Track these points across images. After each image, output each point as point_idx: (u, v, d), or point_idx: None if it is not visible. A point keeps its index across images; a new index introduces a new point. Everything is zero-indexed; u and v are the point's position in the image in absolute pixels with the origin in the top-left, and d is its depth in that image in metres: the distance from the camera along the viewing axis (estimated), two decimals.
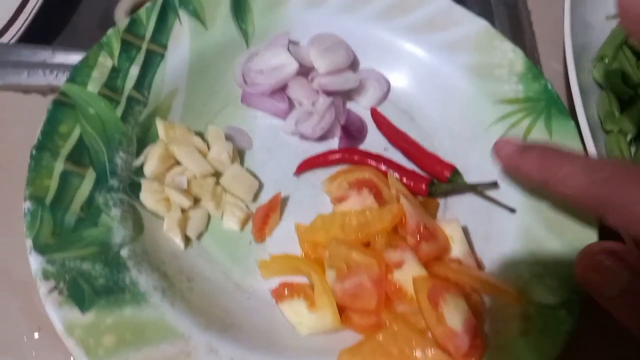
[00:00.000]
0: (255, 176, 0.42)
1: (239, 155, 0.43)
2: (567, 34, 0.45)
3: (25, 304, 0.37)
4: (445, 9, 0.46)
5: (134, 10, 0.59)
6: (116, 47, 0.41)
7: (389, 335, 0.33)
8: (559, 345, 0.33)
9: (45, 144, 0.37)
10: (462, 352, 0.32)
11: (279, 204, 0.40)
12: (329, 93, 0.44)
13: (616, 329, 0.30)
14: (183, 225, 0.39)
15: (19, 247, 0.34)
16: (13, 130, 0.43)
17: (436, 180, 0.42)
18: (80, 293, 0.32)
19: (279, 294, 0.36)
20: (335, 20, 0.47)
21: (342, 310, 0.35)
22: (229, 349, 0.33)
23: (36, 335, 0.36)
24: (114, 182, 0.38)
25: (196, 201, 0.40)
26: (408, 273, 0.35)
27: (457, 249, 0.37)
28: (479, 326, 0.33)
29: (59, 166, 0.36)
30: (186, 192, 0.39)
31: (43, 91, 0.45)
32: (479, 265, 0.38)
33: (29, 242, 0.33)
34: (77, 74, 0.40)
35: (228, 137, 0.42)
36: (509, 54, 0.45)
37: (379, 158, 0.42)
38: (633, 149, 0.44)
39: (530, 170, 0.34)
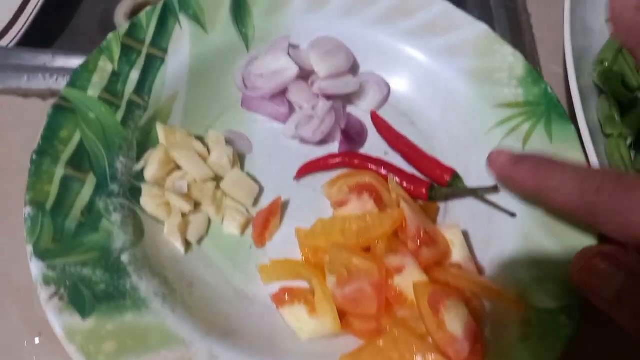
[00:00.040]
0: (255, 180, 0.42)
1: (239, 159, 0.43)
2: (567, 37, 0.45)
3: (26, 309, 0.37)
4: (446, 12, 0.46)
5: (134, 12, 0.59)
6: (116, 51, 0.41)
7: (389, 341, 0.33)
8: (559, 350, 0.33)
9: (46, 149, 0.37)
10: (462, 358, 0.32)
11: (279, 209, 0.40)
12: (329, 97, 0.44)
13: (614, 329, 0.31)
14: (183, 229, 0.39)
15: (20, 251, 0.34)
16: (13, 134, 0.43)
17: (436, 184, 0.42)
18: (81, 299, 0.32)
19: (279, 299, 0.36)
20: (335, 23, 0.47)
21: (342, 315, 0.35)
22: (230, 355, 0.33)
23: (37, 340, 0.36)
24: (114, 187, 0.38)
25: (196, 206, 0.40)
26: (408, 278, 0.35)
27: (458, 254, 0.37)
28: (480, 331, 0.33)
29: (60, 171, 0.36)
30: (186, 196, 0.39)
31: (43, 95, 0.45)
32: (479, 269, 0.38)
33: (29, 248, 0.33)
34: (78, 78, 0.40)
35: (228, 141, 0.42)
36: (509, 58, 0.45)
37: (379, 162, 0.42)
38: (633, 153, 0.44)
39: (524, 180, 0.35)
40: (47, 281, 0.32)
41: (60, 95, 0.39)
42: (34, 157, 0.36)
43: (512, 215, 0.39)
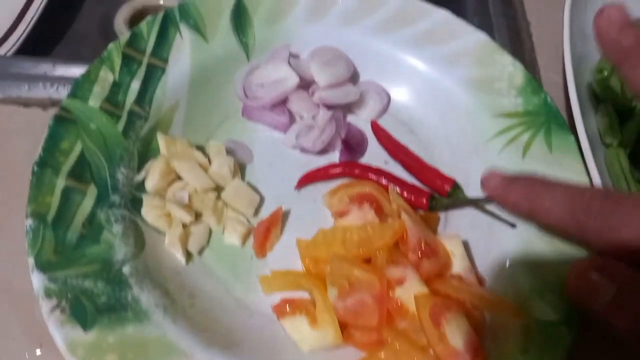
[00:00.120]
0: (256, 190, 0.42)
1: (240, 168, 0.43)
2: (567, 45, 0.45)
3: (27, 320, 0.37)
4: (445, 21, 0.47)
5: (133, 17, 0.59)
6: (117, 61, 0.41)
7: (390, 352, 0.33)
8: None
9: (47, 160, 0.36)
10: None
11: (280, 219, 0.40)
12: (329, 106, 0.44)
13: (613, 340, 0.31)
14: (184, 240, 0.39)
15: (20, 261, 0.34)
16: (14, 143, 0.43)
17: (437, 194, 0.42)
18: (82, 311, 0.32)
19: (280, 310, 0.36)
20: (335, 33, 0.47)
21: (343, 326, 0.35)
22: None
23: (38, 352, 0.36)
24: (115, 198, 0.38)
25: (197, 216, 0.40)
26: (409, 290, 0.35)
27: (458, 265, 0.38)
28: (480, 343, 0.33)
29: (61, 182, 0.36)
30: (187, 207, 0.39)
31: (44, 104, 0.45)
32: (480, 280, 0.38)
33: (31, 261, 0.33)
34: (78, 88, 0.40)
35: (229, 151, 0.42)
36: (509, 67, 0.45)
37: (379, 172, 0.43)
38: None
39: (516, 201, 0.36)
40: (48, 294, 0.32)
41: (62, 105, 0.39)
42: (35, 168, 0.36)
43: (513, 225, 0.39)
